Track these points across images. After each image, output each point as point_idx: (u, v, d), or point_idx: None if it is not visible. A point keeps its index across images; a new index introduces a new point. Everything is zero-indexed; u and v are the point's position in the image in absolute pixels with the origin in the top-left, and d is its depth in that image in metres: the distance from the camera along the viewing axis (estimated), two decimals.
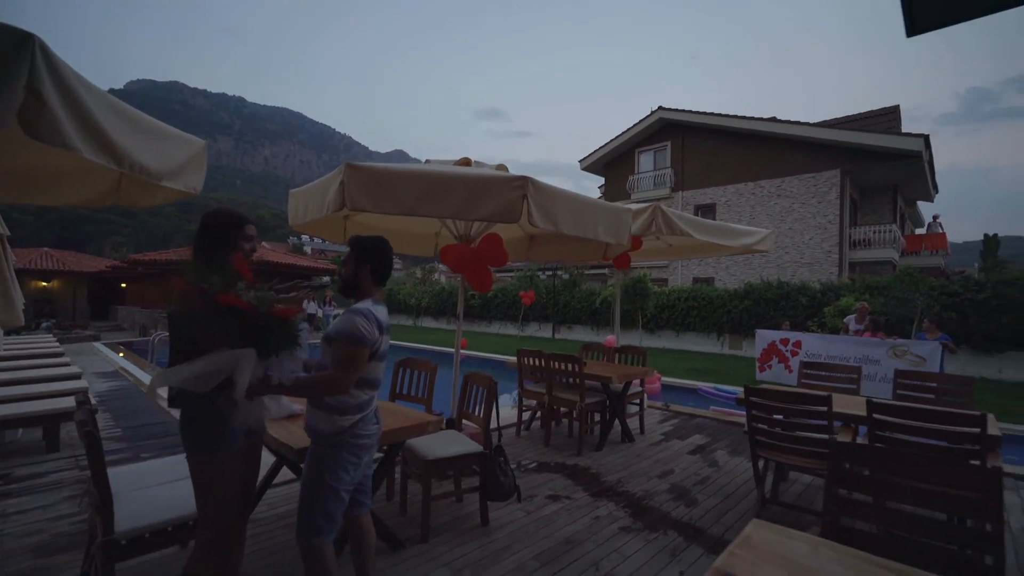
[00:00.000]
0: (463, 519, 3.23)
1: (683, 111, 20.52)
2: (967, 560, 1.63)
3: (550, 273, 20.52)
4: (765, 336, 9.22)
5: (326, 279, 23.47)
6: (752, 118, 18.56)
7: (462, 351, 5.06)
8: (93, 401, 2.33)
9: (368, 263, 2.10)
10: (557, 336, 19.49)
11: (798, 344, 8.65)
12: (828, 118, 19.98)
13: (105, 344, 14.86)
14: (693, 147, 20.59)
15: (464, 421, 3.68)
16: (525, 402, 5.38)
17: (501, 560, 2.74)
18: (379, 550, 2.72)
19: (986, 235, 21.75)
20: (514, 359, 5.47)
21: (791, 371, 8.49)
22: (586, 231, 3.45)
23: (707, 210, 19.91)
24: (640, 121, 21.84)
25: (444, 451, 3.01)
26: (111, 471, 2.09)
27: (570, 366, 4.66)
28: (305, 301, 19.17)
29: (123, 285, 23.62)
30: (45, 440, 4.53)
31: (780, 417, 3.20)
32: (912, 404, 3.29)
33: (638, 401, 5.48)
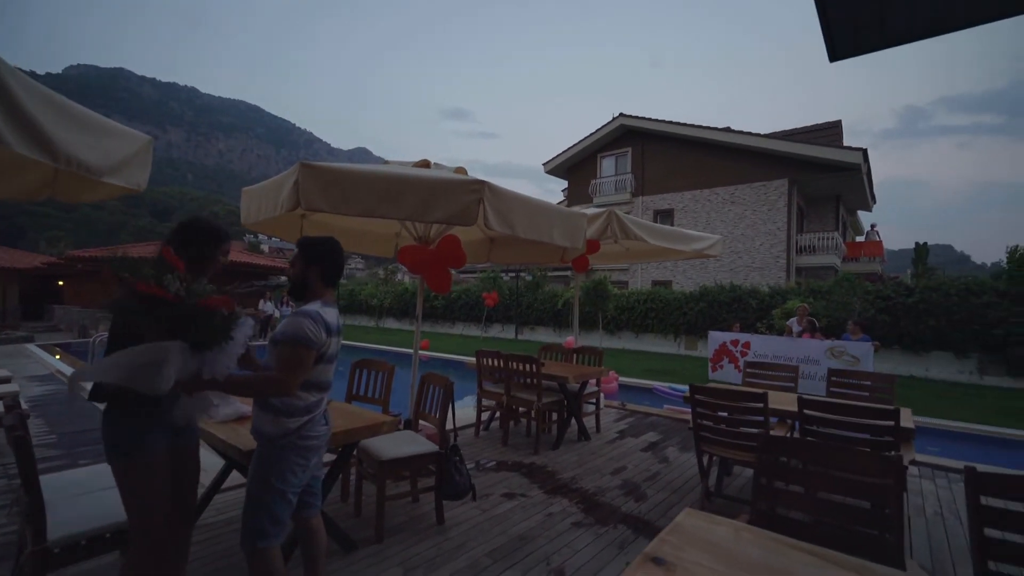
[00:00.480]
0: (419, 519, 3.25)
1: (643, 119, 21.14)
2: (884, 543, 1.80)
3: (513, 275, 20.67)
4: (716, 337, 9.65)
5: (283, 279, 22.73)
6: (708, 127, 19.34)
7: (424, 352, 5.08)
8: (24, 406, 2.22)
9: (317, 264, 2.09)
10: (520, 337, 19.63)
11: (747, 345, 9.10)
12: (778, 130, 21.03)
13: (39, 346, 13.88)
14: (653, 154, 21.23)
15: (421, 422, 3.70)
16: (484, 402, 5.43)
17: (455, 558, 2.78)
18: (332, 552, 2.72)
19: (917, 243, 23.43)
20: (471, 359, 5.51)
21: (740, 371, 8.91)
22: (541, 235, 3.54)
23: (666, 215, 20.56)
24: (602, 127, 22.34)
25: (399, 451, 3.03)
26: (44, 478, 2.00)
27: (528, 366, 4.75)
28: (261, 301, 18.52)
29: (60, 283, 22.13)
30: None
31: (725, 414, 3.39)
32: (837, 400, 3.55)
33: (594, 400, 5.64)
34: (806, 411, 3.04)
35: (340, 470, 2.78)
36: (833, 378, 4.47)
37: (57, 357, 11.69)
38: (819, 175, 17.43)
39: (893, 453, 2.86)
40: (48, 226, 60.69)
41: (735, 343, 9.32)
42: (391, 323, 25.26)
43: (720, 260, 18.29)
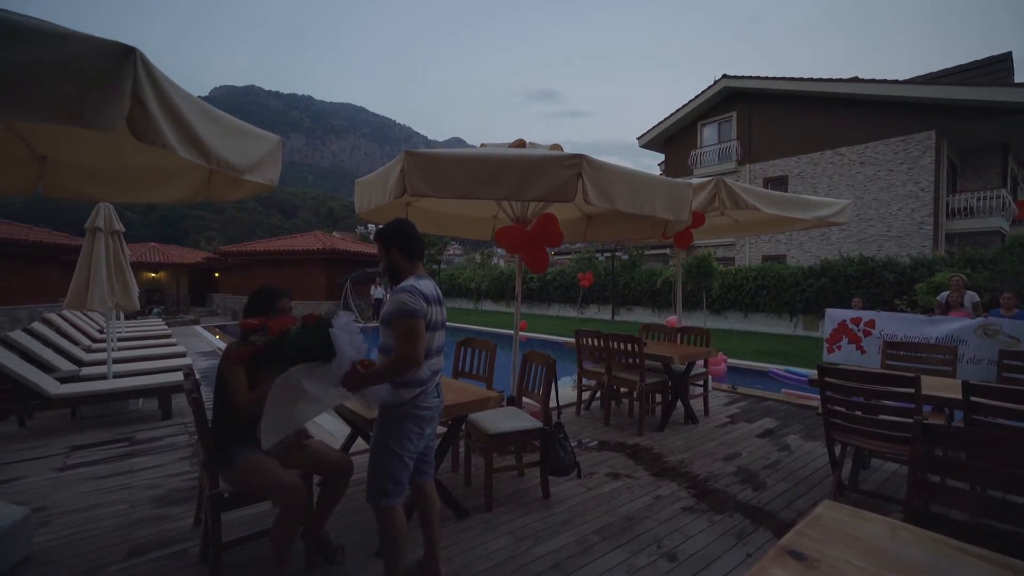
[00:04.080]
0: (524, 492, 3.33)
1: (750, 78, 19.15)
2: None
3: (608, 254, 20.14)
4: (835, 315, 8.53)
5: None
6: (828, 79, 16.98)
7: (522, 333, 5.15)
8: (197, 376, 2.63)
9: (394, 245, 2.20)
10: (617, 318, 19.18)
11: (871, 324, 7.93)
12: (919, 74, 17.80)
13: (204, 327, 16.50)
14: (761, 116, 19.21)
15: (524, 399, 3.77)
16: (584, 382, 5.39)
17: (562, 532, 2.81)
18: (446, 517, 2.89)
19: None
20: (570, 339, 5.48)
21: (864, 352, 7.85)
22: (644, 208, 3.37)
23: (778, 183, 18.60)
24: (702, 92, 20.66)
25: (505, 426, 3.11)
26: None
27: (630, 346, 4.61)
28: (372, 287, 20.14)
29: (216, 275, 25.95)
30: (160, 409, 5.17)
31: (861, 399, 3.00)
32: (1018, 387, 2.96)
33: (702, 383, 5.32)
34: (974, 398, 2.57)
35: (451, 441, 2.93)
36: (1007, 361, 3.75)
37: (217, 337, 13.79)
38: (979, 122, 14.52)
39: None
40: (204, 227, 71.37)
41: (856, 321, 8.16)
42: (489, 305, 26.07)
43: (846, 229, 16.18)
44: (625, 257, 19.41)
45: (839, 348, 8.26)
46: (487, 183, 3.02)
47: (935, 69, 17.86)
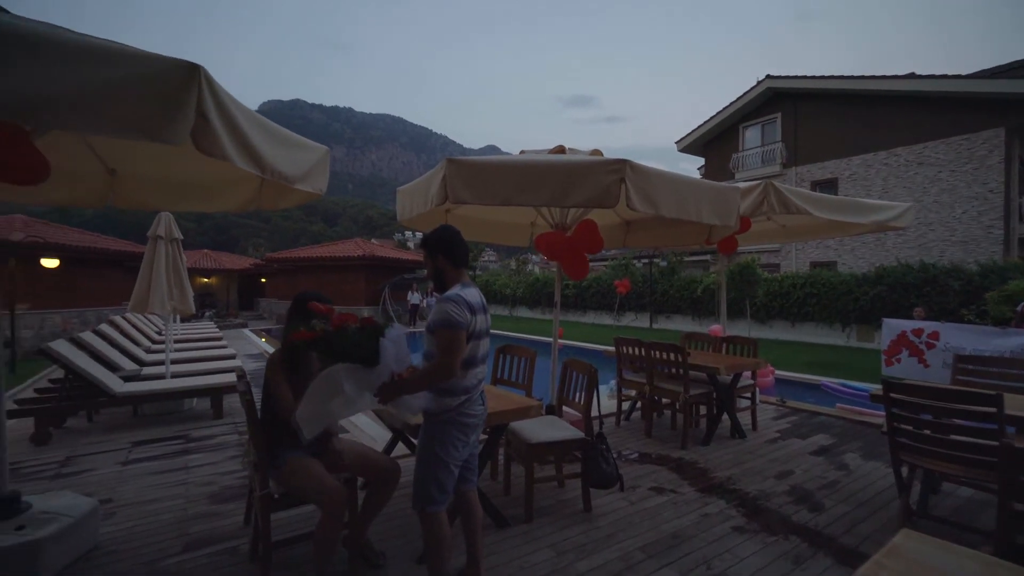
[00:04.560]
0: (565, 504, 3.27)
1: (795, 77, 18.43)
2: None
3: (646, 261, 19.75)
4: (893, 326, 7.98)
5: (426, 271, 24.90)
6: (883, 77, 16.11)
7: (560, 340, 5.09)
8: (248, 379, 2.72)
9: (440, 252, 2.19)
10: (655, 326, 18.76)
11: (935, 335, 7.36)
12: (984, 68, 16.63)
13: (251, 331, 17.24)
14: (808, 117, 18.44)
15: (564, 408, 3.71)
16: (624, 391, 5.27)
17: (606, 547, 2.73)
18: (485, 526, 2.86)
19: None
20: (611, 347, 5.37)
21: (927, 366, 7.30)
22: (689, 213, 3.27)
23: (827, 186, 17.76)
24: (745, 94, 20.03)
25: (546, 436, 3.06)
26: None
27: (673, 355, 4.47)
28: (409, 292, 20.52)
29: (263, 280, 27.09)
30: (212, 408, 5.41)
31: (930, 417, 2.78)
32: None
33: (749, 395, 5.10)
34: None
35: (492, 449, 2.91)
36: None
37: (263, 340, 14.36)
38: None
39: None
40: (252, 234, 74.89)
41: (918, 332, 7.60)
42: (523, 312, 26.05)
43: (903, 234, 15.27)
44: (664, 264, 18.98)
45: (898, 361, 7.75)
46: (528, 189, 3.01)
47: (999, 63, 16.59)
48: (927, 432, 2.77)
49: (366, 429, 4.82)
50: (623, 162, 2.88)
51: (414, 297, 20.42)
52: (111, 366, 5.64)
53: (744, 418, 5.05)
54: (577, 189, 2.91)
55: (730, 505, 3.29)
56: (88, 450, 4.33)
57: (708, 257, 21.11)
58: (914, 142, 15.69)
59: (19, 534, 2.31)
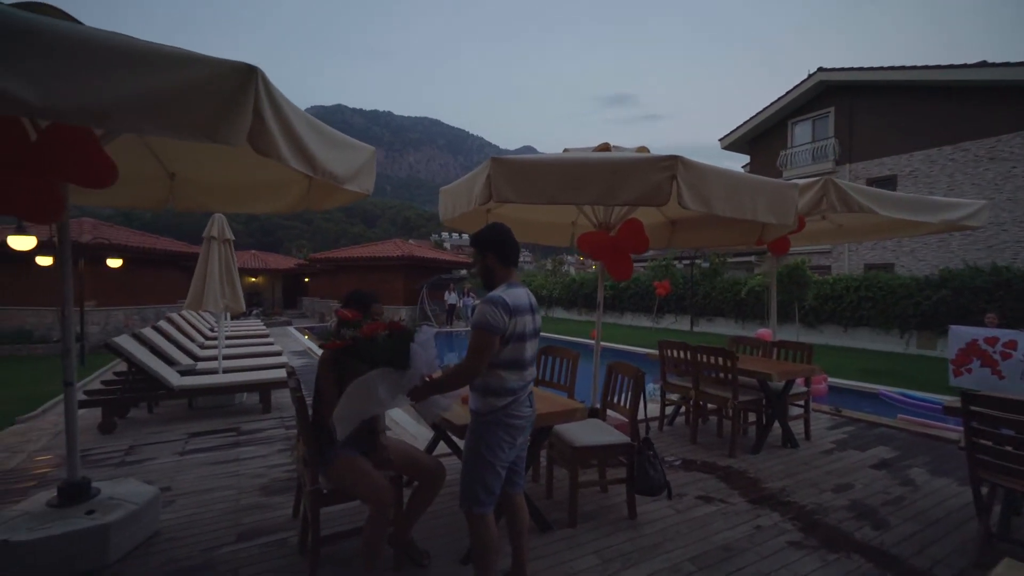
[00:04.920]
0: (609, 509, 3.18)
1: (850, 69, 17.50)
2: None
3: (687, 262, 19.21)
4: (962, 334, 7.38)
5: (463, 272, 25.13)
6: (951, 67, 15.07)
7: (594, 342, 4.98)
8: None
9: (490, 250, 2.17)
10: (695, 329, 18.23)
11: (1011, 344, 6.77)
12: None
13: (295, 328, 17.87)
14: (864, 111, 17.45)
15: (607, 412, 3.62)
16: (668, 396, 5.12)
17: (652, 557, 2.64)
18: (529, 529, 2.81)
19: None
20: (650, 350, 5.23)
21: (1002, 377, 6.73)
22: (744, 212, 3.12)
23: (885, 183, 16.74)
24: (794, 88, 19.17)
25: (591, 440, 3.00)
26: None
27: (721, 360, 4.30)
28: (446, 292, 20.76)
29: (306, 280, 28.08)
30: (261, 403, 5.61)
31: (1013, 433, 2.54)
32: None
33: (802, 403, 4.85)
34: None
35: (536, 451, 2.87)
36: None
37: (306, 337, 14.86)
38: None
39: None
40: (296, 236, 77.72)
41: (992, 341, 7.01)
42: (559, 312, 25.88)
43: (971, 235, 14.20)
44: (706, 265, 18.40)
45: (969, 371, 7.20)
46: (573, 188, 2.95)
47: None
48: (1010, 449, 2.54)
49: (407, 427, 4.88)
50: (674, 158, 2.78)
51: (451, 297, 20.65)
52: (169, 361, 5.95)
53: (796, 427, 4.80)
54: (625, 187, 2.83)
55: (784, 518, 3.13)
56: (149, 440, 4.58)
57: (752, 258, 20.34)
58: (986, 135, 14.58)
59: (90, 518, 2.44)
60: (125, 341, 5.07)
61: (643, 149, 3.74)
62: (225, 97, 1.67)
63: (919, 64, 15.82)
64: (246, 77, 1.72)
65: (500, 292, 2.07)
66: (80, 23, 1.81)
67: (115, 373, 5.71)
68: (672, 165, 2.77)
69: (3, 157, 1.97)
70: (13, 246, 7.10)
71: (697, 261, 18.44)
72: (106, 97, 1.48)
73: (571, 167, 2.99)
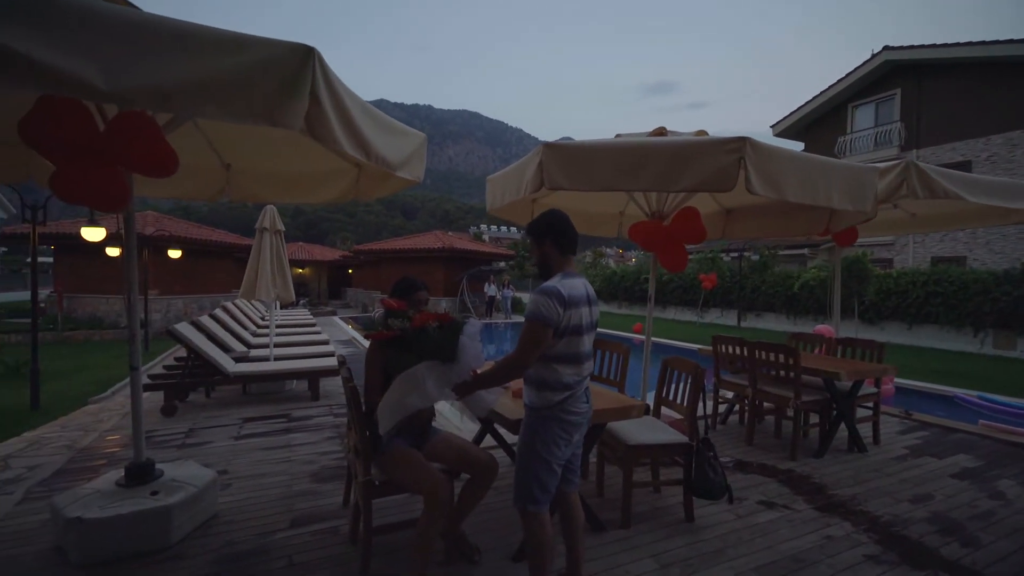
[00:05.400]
0: (663, 511, 3.04)
1: (920, 47, 16.18)
2: None
3: (736, 254, 18.44)
4: None
5: (502, 264, 25.15)
6: None
7: (639, 336, 4.80)
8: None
9: (547, 237, 2.07)
10: (743, 324, 17.51)
11: None
12: None
13: (340, 318, 18.41)
14: (934, 92, 16.12)
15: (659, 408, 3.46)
16: (721, 393, 4.88)
17: (714, 564, 2.49)
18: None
19: None
20: (694, 345, 4.99)
21: None
22: (818, 198, 2.88)
23: (958, 169, 15.43)
24: (856, 69, 17.93)
25: (647, 438, 2.86)
26: None
27: (783, 357, 4.04)
28: (485, 284, 20.82)
29: (349, 271, 28.89)
30: (310, 390, 5.75)
31: None
32: None
33: (871, 404, 4.50)
34: None
35: (590, 448, 2.75)
36: None
37: (350, 327, 15.25)
38: None
39: None
40: (339, 228, 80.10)
41: None
42: (599, 306, 25.50)
43: None
44: (755, 257, 17.60)
45: None
46: (630, 173, 2.80)
47: None
48: None
49: (451, 419, 4.87)
50: (743, 139, 2.58)
51: (491, 289, 20.70)
52: (224, 348, 6.18)
53: (862, 430, 4.47)
54: (687, 171, 2.66)
55: (858, 529, 2.89)
56: (207, 423, 4.76)
57: (805, 251, 19.32)
58: None
59: (154, 499, 2.52)
60: (185, 328, 5.29)
61: (702, 133, 3.51)
62: (283, 79, 1.63)
63: (998, 39, 14.42)
64: (303, 58, 1.68)
65: (555, 282, 1.96)
66: (138, 8, 1.82)
67: (176, 359, 5.99)
68: (740, 147, 2.57)
69: (75, 147, 2.02)
70: (86, 237, 7.58)
71: (746, 254, 17.65)
72: (168, 81, 1.47)
73: (628, 151, 2.83)
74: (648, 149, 2.81)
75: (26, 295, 13.29)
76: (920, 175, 3.59)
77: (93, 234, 7.51)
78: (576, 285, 2.00)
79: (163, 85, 1.45)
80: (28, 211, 5.85)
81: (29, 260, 6.23)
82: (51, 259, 15.13)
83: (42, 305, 13.72)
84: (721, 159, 2.60)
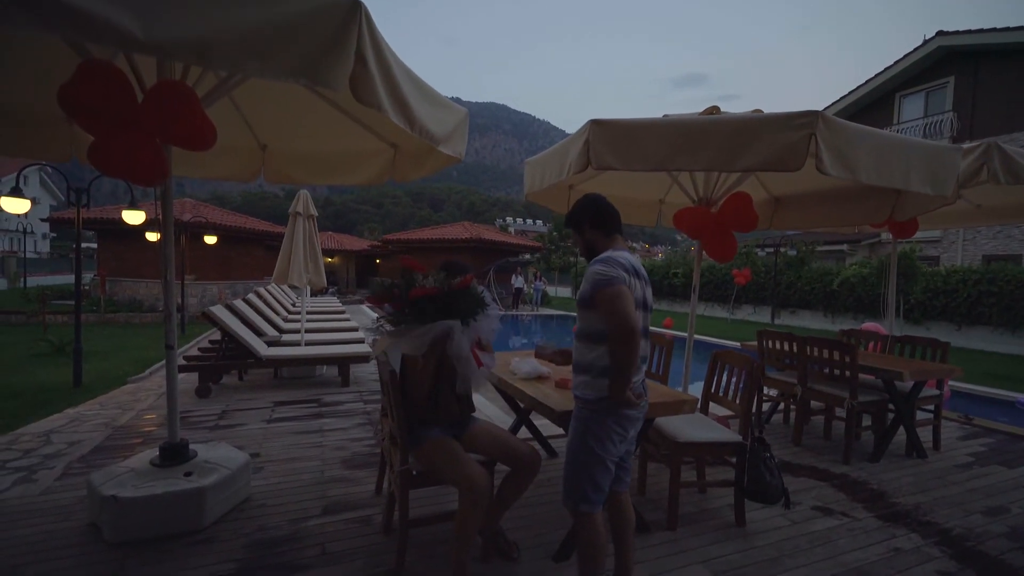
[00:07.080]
0: (710, 513, 2.86)
1: (977, 32, 15.15)
2: None
3: (771, 249, 17.79)
4: None
5: (527, 256, 24.99)
6: None
7: (669, 331, 4.58)
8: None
9: (587, 219, 1.96)
10: (777, 321, 16.91)
11: None
12: None
13: (367, 307, 18.57)
14: (992, 80, 15.07)
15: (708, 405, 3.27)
16: (766, 391, 4.63)
17: (771, 574, 2.30)
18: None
19: None
20: (726, 341, 4.75)
21: None
22: (894, 180, 2.62)
23: None
24: (905, 56, 16.94)
25: (696, 435, 2.68)
26: None
27: (837, 354, 3.77)
28: (513, 276, 20.70)
29: (377, 261, 29.16)
30: (340, 376, 5.73)
31: None
32: None
33: (932, 407, 4.19)
34: None
35: (637, 444, 2.59)
36: None
37: (378, 316, 15.37)
38: None
39: None
40: (366, 219, 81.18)
41: None
42: None
43: None
44: (792, 252, 16.94)
45: None
46: (687, 151, 2.60)
47: None
48: None
49: (483, 409, 4.76)
50: (814, 114, 2.35)
51: (518, 281, 20.59)
52: (257, 332, 6.22)
53: (922, 434, 4.17)
54: (750, 149, 2.44)
55: (927, 542, 2.65)
56: (239, 406, 4.78)
57: (844, 247, 18.52)
58: None
59: (188, 480, 2.48)
60: (220, 311, 5.32)
61: (757, 111, 3.28)
62: (328, 35, 1.51)
63: None
64: (349, 13, 1.55)
65: (607, 255, 1.82)
66: None
67: (210, 341, 6.06)
68: (811, 122, 2.34)
69: (113, 116, 1.96)
70: (127, 220, 7.74)
71: (782, 249, 17.00)
72: (206, 32, 1.36)
73: (685, 127, 2.63)
74: (707, 125, 2.60)
75: (72, 279, 13.84)
76: (1003, 157, 3.26)
77: (133, 217, 7.66)
78: (628, 257, 1.85)
79: (200, 36, 1.34)
80: (73, 194, 5.98)
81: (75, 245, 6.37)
82: (95, 244, 15.69)
83: (86, 288, 14.26)
84: (789, 135, 2.37)
